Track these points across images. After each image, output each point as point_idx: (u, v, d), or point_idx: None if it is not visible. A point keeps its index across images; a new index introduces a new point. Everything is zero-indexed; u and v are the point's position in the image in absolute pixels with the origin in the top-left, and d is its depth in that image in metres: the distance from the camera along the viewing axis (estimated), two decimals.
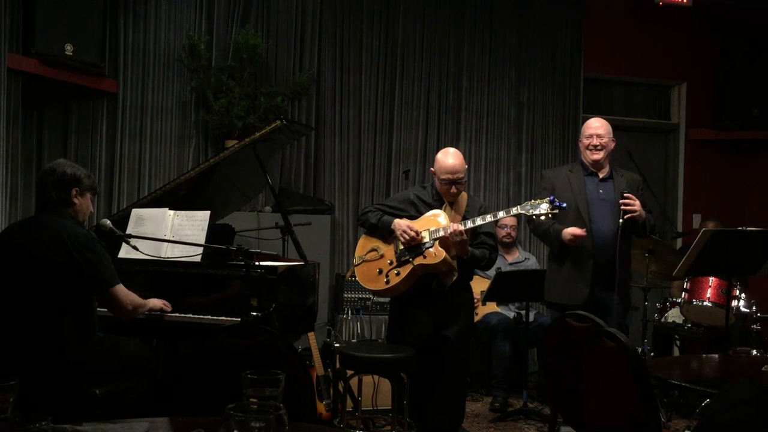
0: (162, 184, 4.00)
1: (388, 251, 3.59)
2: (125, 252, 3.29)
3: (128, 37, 5.13)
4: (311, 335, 3.98)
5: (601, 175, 3.76)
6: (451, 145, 4.46)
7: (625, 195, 3.57)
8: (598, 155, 3.72)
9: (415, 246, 3.48)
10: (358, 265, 3.68)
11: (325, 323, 5.08)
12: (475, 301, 4.00)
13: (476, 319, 4.74)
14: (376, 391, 4.16)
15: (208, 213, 3.37)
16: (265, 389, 1.32)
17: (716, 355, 3.25)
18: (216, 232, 3.41)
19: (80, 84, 4.84)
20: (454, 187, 3.56)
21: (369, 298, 5.04)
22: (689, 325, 4.77)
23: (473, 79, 5.93)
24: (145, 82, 5.17)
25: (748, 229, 3.61)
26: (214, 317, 3.11)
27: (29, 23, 4.40)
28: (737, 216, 6.35)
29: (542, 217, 3.35)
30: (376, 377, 4.07)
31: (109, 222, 3.12)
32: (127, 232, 3.29)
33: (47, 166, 2.86)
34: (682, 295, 4.57)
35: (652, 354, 4.79)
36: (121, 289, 2.78)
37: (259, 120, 5.05)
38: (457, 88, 5.90)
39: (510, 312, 5.07)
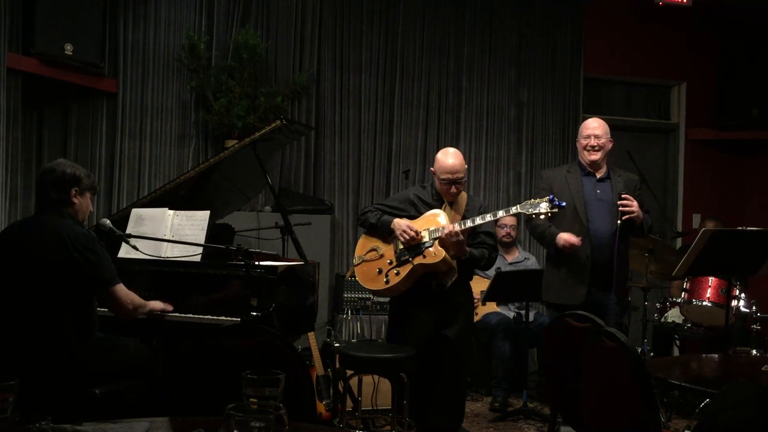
0: (162, 184, 4.00)
1: (388, 251, 3.59)
2: (125, 252, 3.29)
3: (128, 36, 5.13)
4: (311, 335, 3.97)
5: (598, 176, 3.76)
6: (451, 145, 4.46)
7: (622, 196, 3.57)
8: (596, 156, 3.72)
9: (414, 246, 3.48)
10: (358, 265, 3.68)
11: (325, 323, 5.08)
12: (475, 301, 4.00)
13: (476, 319, 4.74)
14: (375, 391, 4.16)
15: (207, 213, 3.37)
16: (265, 389, 1.32)
17: (716, 355, 3.25)
18: (216, 232, 3.41)
19: (80, 84, 4.84)
20: (453, 186, 3.56)
21: (369, 298, 5.04)
22: (689, 325, 4.77)
23: (473, 78, 5.93)
24: (144, 81, 5.17)
25: (748, 228, 3.61)
26: (214, 317, 3.10)
27: (29, 23, 4.40)
28: (737, 216, 6.36)
29: (541, 216, 3.35)
30: (376, 377, 4.07)
31: (108, 222, 3.11)
32: (127, 231, 3.29)
33: (47, 165, 2.86)
34: (682, 295, 4.56)
35: (651, 354, 4.79)
36: (121, 289, 2.78)
37: (259, 120, 5.05)
38: (457, 87, 5.90)
39: (510, 312, 5.07)
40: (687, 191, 6.53)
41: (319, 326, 4.72)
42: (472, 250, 3.54)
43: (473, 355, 4.52)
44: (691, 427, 3.86)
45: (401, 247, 3.53)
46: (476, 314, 4.76)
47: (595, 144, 3.71)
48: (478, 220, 3.42)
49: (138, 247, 3.16)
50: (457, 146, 4.94)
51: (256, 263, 3.09)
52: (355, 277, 3.75)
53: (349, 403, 3.84)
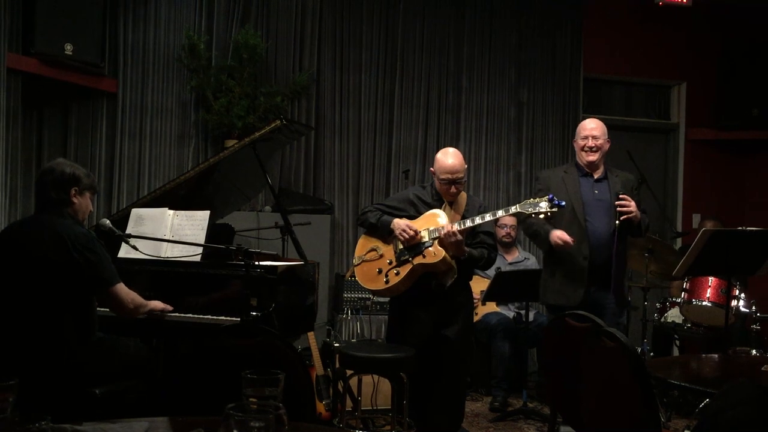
0: (162, 184, 4.00)
1: (388, 251, 3.59)
2: (125, 252, 3.29)
3: (128, 36, 5.13)
4: (311, 335, 3.97)
5: (596, 176, 3.76)
6: (451, 145, 4.46)
7: (620, 196, 3.56)
8: (594, 157, 3.71)
9: (414, 245, 3.48)
10: (358, 265, 3.68)
11: (325, 323, 5.08)
12: (475, 300, 4.00)
13: (476, 319, 4.74)
14: (375, 390, 4.16)
15: (207, 213, 3.37)
16: (265, 389, 1.32)
17: (716, 355, 3.25)
18: (216, 232, 3.41)
19: (80, 84, 4.84)
20: (453, 186, 3.56)
21: (369, 298, 5.04)
22: (689, 325, 4.77)
23: (473, 78, 5.93)
24: (144, 81, 5.17)
25: (748, 229, 3.61)
26: (214, 317, 3.10)
27: (29, 23, 4.40)
28: (737, 216, 6.36)
29: (541, 216, 3.34)
30: (375, 377, 4.07)
31: (108, 222, 3.11)
32: (127, 231, 3.29)
33: (46, 165, 2.86)
34: (682, 295, 4.57)
35: (651, 354, 4.79)
36: (121, 288, 2.78)
37: (258, 120, 5.05)
38: (457, 87, 5.90)
39: (510, 312, 5.07)
40: (687, 191, 6.53)
41: (319, 326, 4.72)
42: (472, 250, 3.54)
43: (473, 355, 4.52)
44: (691, 427, 3.86)
45: (401, 247, 3.53)
46: (476, 314, 4.76)
47: (593, 145, 3.71)
48: (478, 220, 3.42)
49: (138, 247, 3.17)
50: (456, 146, 4.94)
51: (256, 263, 3.09)
52: (354, 277, 3.75)
53: (349, 403, 3.84)
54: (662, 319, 5.05)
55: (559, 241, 3.56)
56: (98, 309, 2.83)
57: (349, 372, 3.55)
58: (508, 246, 5.27)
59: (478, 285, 4.52)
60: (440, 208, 3.59)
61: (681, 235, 5.96)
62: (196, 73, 5.14)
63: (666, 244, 4.76)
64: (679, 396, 4.28)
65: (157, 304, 3.02)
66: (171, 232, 3.35)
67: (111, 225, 3.09)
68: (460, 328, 3.61)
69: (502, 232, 5.15)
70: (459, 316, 3.61)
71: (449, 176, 3.53)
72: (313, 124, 5.51)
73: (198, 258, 3.25)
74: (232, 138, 4.99)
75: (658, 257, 4.57)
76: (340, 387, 3.80)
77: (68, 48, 4.55)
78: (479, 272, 4.65)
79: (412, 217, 3.58)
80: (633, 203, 3.56)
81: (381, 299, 4.86)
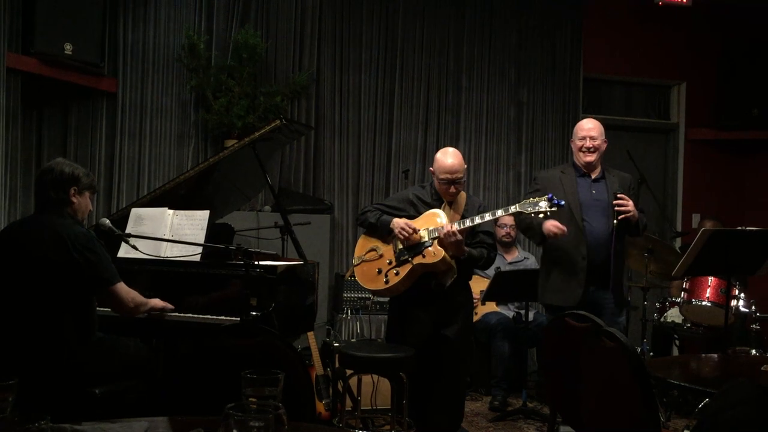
0: (161, 184, 4.00)
1: (387, 251, 3.59)
2: (124, 251, 3.29)
3: (128, 36, 5.13)
4: (311, 335, 3.97)
5: (593, 176, 3.75)
6: (451, 145, 4.45)
7: (618, 196, 3.55)
8: (591, 157, 3.71)
9: (414, 245, 3.48)
10: (358, 265, 3.68)
11: (325, 323, 5.08)
12: (475, 300, 4.00)
13: (475, 318, 4.74)
14: (375, 390, 4.16)
15: (207, 212, 3.37)
16: (265, 389, 1.32)
17: (715, 355, 3.25)
18: (215, 232, 3.40)
19: (80, 83, 4.84)
20: (452, 186, 3.56)
21: (368, 298, 5.04)
22: (688, 325, 4.77)
23: (473, 78, 5.93)
24: (144, 81, 5.18)
25: (748, 228, 3.61)
26: (214, 317, 3.10)
27: (29, 23, 4.40)
28: (736, 216, 6.36)
29: (540, 216, 3.34)
30: (375, 377, 4.07)
31: (108, 221, 3.11)
32: (127, 231, 3.29)
33: (46, 165, 2.86)
34: (682, 295, 4.57)
35: (651, 354, 4.79)
36: (122, 287, 2.78)
37: (258, 119, 5.05)
38: (457, 87, 5.90)
39: (509, 311, 5.07)
40: (686, 191, 6.53)
41: (319, 326, 4.72)
42: (471, 249, 3.54)
43: (473, 355, 4.52)
44: (691, 426, 3.86)
45: (400, 247, 3.53)
46: (476, 314, 4.76)
47: (591, 146, 3.70)
48: (477, 220, 3.41)
49: (137, 246, 3.16)
50: (456, 146, 4.93)
51: (256, 263, 3.09)
52: (354, 277, 3.75)
53: (349, 403, 3.84)
54: (662, 319, 5.05)
55: (553, 229, 3.50)
56: (98, 309, 2.83)
57: (348, 372, 3.55)
58: (508, 246, 5.27)
59: (478, 285, 4.52)
60: (440, 207, 3.59)
61: (681, 235, 5.97)
62: (196, 73, 5.14)
63: (666, 244, 4.76)
64: (678, 396, 4.28)
65: (157, 303, 3.02)
66: (171, 232, 3.35)
67: (111, 224, 3.09)
68: (460, 327, 3.61)
69: (501, 232, 5.15)
70: (458, 316, 3.61)
71: (448, 176, 3.53)
72: (313, 123, 5.51)
73: (198, 258, 3.25)
74: (232, 138, 4.99)
75: (658, 257, 4.57)
76: (339, 387, 3.80)
77: (68, 48, 4.55)
78: (479, 272, 4.65)
79: (411, 217, 3.58)
80: (631, 203, 3.56)
81: (381, 299, 4.86)
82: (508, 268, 5.02)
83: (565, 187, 3.68)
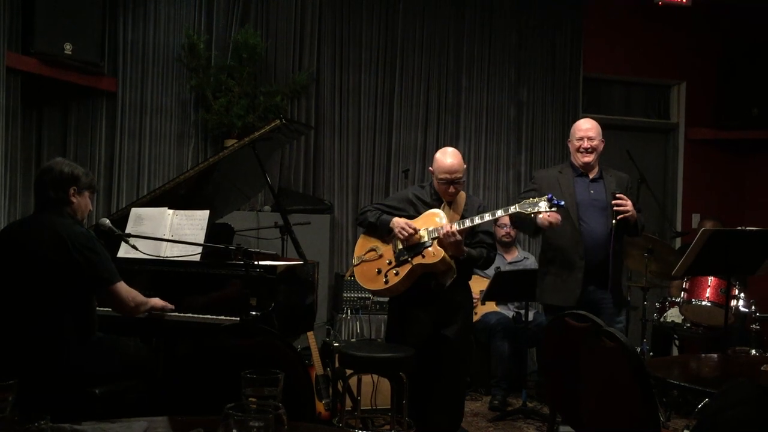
0: (161, 184, 4.00)
1: (387, 251, 3.59)
2: (124, 251, 3.28)
3: (127, 36, 5.13)
4: (310, 335, 3.97)
5: (591, 176, 3.75)
6: (451, 144, 4.46)
7: (617, 195, 3.55)
8: (589, 158, 3.71)
9: (413, 245, 3.48)
10: (357, 265, 3.68)
11: (325, 323, 5.08)
12: (474, 300, 4.00)
13: (475, 318, 4.74)
14: (375, 390, 4.16)
15: (207, 212, 3.37)
16: (264, 389, 1.32)
17: (715, 355, 3.25)
18: (215, 232, 3.40)
19: (79, 83, 4.84)
20: (452, 186, 3.56)
21: (368, 298, 5.04)
22: (688, 325, 4.77)
23: (473, 78, 5.93)
24: (144, 81, 5.17)
25: (747, 228, 3.61)
26: (214, 317, 3.10)
27: (29, 22, 4.40)
28: (736, 216, 6.36)
29: (540, 216, 3.33)
30: (375, 377, 4.07)
31: (108, 221, 3.11)
32: (126, 231, 3.29)
33: (45, 164, 2.86)
34: (682, 295, 4.56)
35: (651, 353, 4.79)
36: (122, 287, 2.78)
37: (258, 119, 5.05)
38: (457, 87, 5.90)
39: (509, 311, 5.07)
40: (686, 191, 6.53)
41: (319, 326, 4.72)
42: (470, 249, 3.54)
43: (472, 355, 4.51)
44: (691, 426, 3.86)
45: (400, 247, 3.53)
46: (475, 314, 4.76)
47: (589, 146, 3.70)
48: (477, 220, 3.41)
49: (137, 246, 3.16)
50: (456, 145, 4.94)
51: (256, 263, 3.09)
52: (354, 277, 3.75)
53: (349, 403, 3.84)
54: (662, 319, 5.05)
55: (545, 222, 3.46)
56: (98, 309, 2.83)
57: (348, 372, 3.55)
58: (508, 245, 5.27)
59: (478, 285, 4.52)
60: (439, 207, 3.59)
61: (680, 234, 5.96)
62: (196, 73, 5.14)
63: (665, 244, 4.76)
64: (678, 396, 4.28)
65: (157, 302, 3.02)
66: (170, 232, 3.34)
67: (110, 224, 3.09)
68: (460, 327, 3.61)
69: (501, 232, 5.15)
70: (458, 316, 3.61)
71: (447, 176, 3.53)
72: (313, 123, 5.51)
73: (197, 258, 3.25)
74: (232, 137, 4.99)
75: (658, 257, 4.57)
76: (339, 387, 3.80)
77: (68, 47, 4.55)
78: (479, 272, 4.65)
79: (411, 217, 3.58)
80: (629, 202, 3.55)
81: (380, 299, 4.86)
82: (507, 268, 5.02)
83: (562, 187, 3.68)
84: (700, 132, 6.49)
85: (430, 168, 3.67)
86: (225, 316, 3.10)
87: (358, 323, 5.00)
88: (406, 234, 3.45)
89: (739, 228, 3.77)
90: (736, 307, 4.42)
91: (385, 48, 5.74)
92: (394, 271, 3.53)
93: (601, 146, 3.75)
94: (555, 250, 3.68)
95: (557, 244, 3.66)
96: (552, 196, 3.30)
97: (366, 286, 3.67)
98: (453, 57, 5.89)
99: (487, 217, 3.42)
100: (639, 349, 4.33)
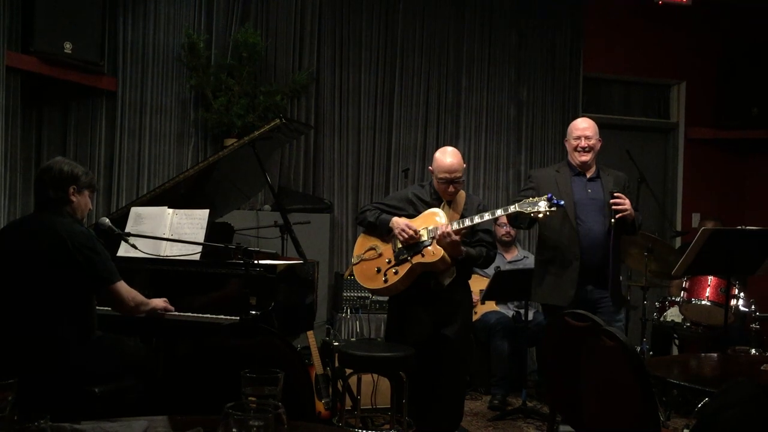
0: (161, 183, 4.00)
1: (387, 250, 3.59)
2: (124, 250, 3.28)
3: (127, 35, 5.13)
4: (310, 334, 3.97)
5: (588, 175, 3.74)
6: (451, 144, 4.46)
7: (615, 194, 3.54)
8: (586, 157, 3.70)
9: (413, 245, 3.48)
10: (357, 264, 3.68)
11: (324, 322, 5.08)
12: (474, 300, 4.00)
13: (475, 318, 4.74)
14: (375, 389, 4.16)
15: (207, 211, 3.37)
16: (264, 388, 1.32)
17: (715, 354, 3.25)
18: (215, 231, 3.40)
19: (79, 82, 4.84)
20: (451, 186, 3.55)
21: (368, 297, 5.04)
22: (688, 324, 4.77)
23: (473, 77, 5.93)
24: (144, 80, 5.17)
25: (747, 228, 3.61)
26: (213, 316, 3.10)
27: (28, 22, 4.40)
28: (736, 215, 6.36)
29: (540, 216, 3.33)
30: (375, 376, 4.06)
31: (107, 220, 3.11)
32: (126, 230, 3.29)
33: (45, 164, 2.85)
34: (681, 294, 4.56)
35: (651, 353, 4.79)
36: (122, 286, 2.78)
37: (258, 118, 5.05)
38: (457, 86, 5.90)
39: (509, 311, 5.07)
40: (686, 190, 6.53)
41: (318, 325, 4.72)
42: (470, 249, 3.53)
43: (472, 354, 4.51)
44: (690, 426, 3.86)
45: (400, 246, 3.53)
46: (475, 313, 4.76)
47: (586, 145, 3.69)
48: (477, 219, 3.41)
49: (137, 245, 3.16)
50: (456, 145, 4.94)
51: (256, 262, 3.09)
52: (353, 276, 3.74)
53: (348, 402, 3.84)
54: (661, 319, 5.05)
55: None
56: (98, 308, 2.83)
57: (348, 371, 3.55)
58: (508, 245, 5.27)
59: (478, 284, 4.52)
60: (439, 207, 3.58)
61: (680, 234, 5.97)
62: (196, 72, 5.14)
63: (665, 244, 4.76)
64: (678, 395, 4.28)
65: (159, 303, 3.02)
66: (170, 231, 3.34)
67: (110, 223, 3.09)
68: (460, 327, 3.61)
69: (501, 231, 5.15)
70: (458, 315, 3.61)
71: (447, 176, 3.53)
72: (313, 122, 5.51)
73: (197, 257, 3.25)
74: (232, 137, 4.99)
75: (658, 256, 4.57)
76: (339, 386, 3.80)
77: (68, 46, 4.54)
78: (478, 271, 4.65)
79: (410, 216, 3.58)
80: (627, 201, 3.55)
81: (380, 298, 4.86)
82: (507, 267, 5.02)
83: (560, 187, 3.67)
84: (700, 132, 6.49)
85: (430, 167, 3.67)
86: (225, 315, 3.10)
87: (357, 322, 5.00)
88: (407, 236, 3.45)
89: (739, 227, 3.76)
90: (736, 306, 4.42)
91: (385, 48, 5.74)
92: (394, 270, 3.53)
93: (599, 145, 3.75)
94: (551, 249, 3.68)
95: (554, 243, 3.66)
96: (552, 196, 3.29)
97: (365, 285, 3.66)
98: (453, 57, 5.89)
99: (487, 216, 3.41)
100: (639, 349, 4.33)
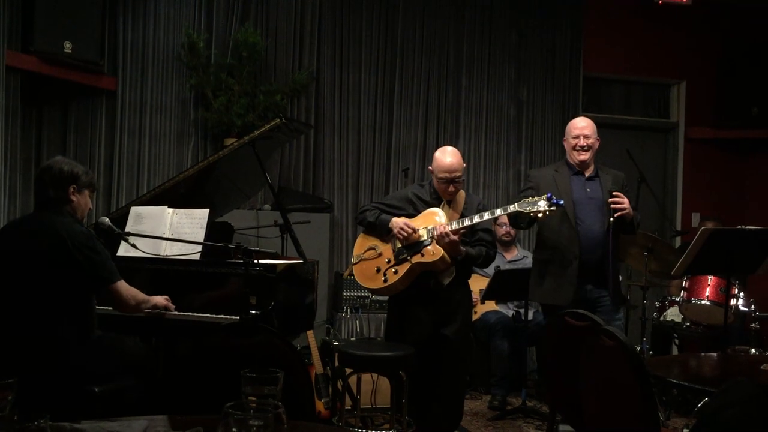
0: (161, 182, 4.00)
1: (386, 250, 3.59)
2: (124, 250, 3.28)
3: (127, 34, 5.13)
4: (310, 333, 3.97)
5: (587, 174, 3.74)
6: (451, 143, 4.46)
7: (614, 194, 3.54)
8: (585, 156, 3.70)
9: (413, 244, 3.48)
10: (356, 263, 3.68)
11: (324, 321, 5.07)
12: (474, 299, 4.00)
13: (475, 317, 4.74)
14: (375, 389, 4.16)
15: (207, 211, 3.37)
16: (264, 387, 1.32)
17: (715, 354, 3.26)
18: (215, 230, 3.40)
19: (79, 82, 4.84)
20: (451, 186, 3.55)
21: (368, 297, 5.04)
22: (688, 324, 4.77)
23: (473, 77, 5.93)
24: (144, 79, 5.17)
25: (747, 227, 3.60)
26: (213, 315, 3.10)
27: (28, 21, 4.40)
28: (736, 215, 6.35)
29: (539, 215, 3.33)
30: (375, 375, 4.07)
31: (107, 220, 3.11)
32: (126, 230, 3.29)
33: (45, 163, 2.85)
34: (681, 294, 4.56)
35: (650, 352, 4.79)
36: (122, 285, 2.78)
37: (258, 118, 5.05)
38: (457, 86, 5.90)
39: (509, 310, 5.07)
40: (686, 190, 6.53)
41: (318, 324, 4.72)
42: (469, 248, 3.53)
43: (472, 354, 4.51)
44: (690, 425, 3.86)
45: (399, 245, 3.53)
46: (475, 313, 4.76)
47: (585, 144, 3.69)
48: (476, 219, 3.41)
49: (137, 245, 3.16)
50: (456, 144, 4.93)
51: (255, 261, 3.09)
52: (353, 275, 3.74)
53: (348, 402, 3.84)
54: (661, 318, 5.05)
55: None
56: (98, 307, 2.83)
57: (348, 370, 3.55)
58: (508, 244, 5.27)
59: (478, 283, 4.52)
60: (439, 206, 3.58)
61: (680, 233, 5.97)
62: (196, 71, 5.14)
63: (665, 243, 4.75)
64: (678, 395, 4.28)
65: (159, 300, 3.02)
66: (170, 231, 3.34)
67: (110, 223, 3.09)
68: (459, 326, 3.61)
69: (501, 231, 5.15)
70: (458, 315, 3.61)
71: (447, 175, 3.53)
72: (313, 122, 5.51)
73: (197, 256, 3.25)
74: (232, 136, 4.99)
75: (658, 256, 4.56)
76: (339, 385, 3.80)
77: (68, 46, 4.54)
78: (478, 271, 4.65)
79: (410, 216, 3.58)
80: (626, 199, 3.55)
81: (380, 298, 4.86)
82: (507, 266, 5.02)
83: (559, 186, 3.67)
84: (699, 131, 6.49)
85: (430, 167, 3.66)
86: (225, 314, 3.10)
87: (357, 322, 5.00)
88: (405, 234, 3.45)
89: (739, 227, 3.76)
90: (736, 306, 4.42)
91: (385, 47, 5.74)
92: (393, 270, 3.53)
93: (597, 144, 3.75)
94: (549, 249, 3.67)
95: (553, 243, 3.65)
96: (551, 195, 3.29)
97: (365, 284, 3.66)
98: (453, 57, 5.89)
99: (486, 216, 3.41)
100: (639, 348, 4.33)
